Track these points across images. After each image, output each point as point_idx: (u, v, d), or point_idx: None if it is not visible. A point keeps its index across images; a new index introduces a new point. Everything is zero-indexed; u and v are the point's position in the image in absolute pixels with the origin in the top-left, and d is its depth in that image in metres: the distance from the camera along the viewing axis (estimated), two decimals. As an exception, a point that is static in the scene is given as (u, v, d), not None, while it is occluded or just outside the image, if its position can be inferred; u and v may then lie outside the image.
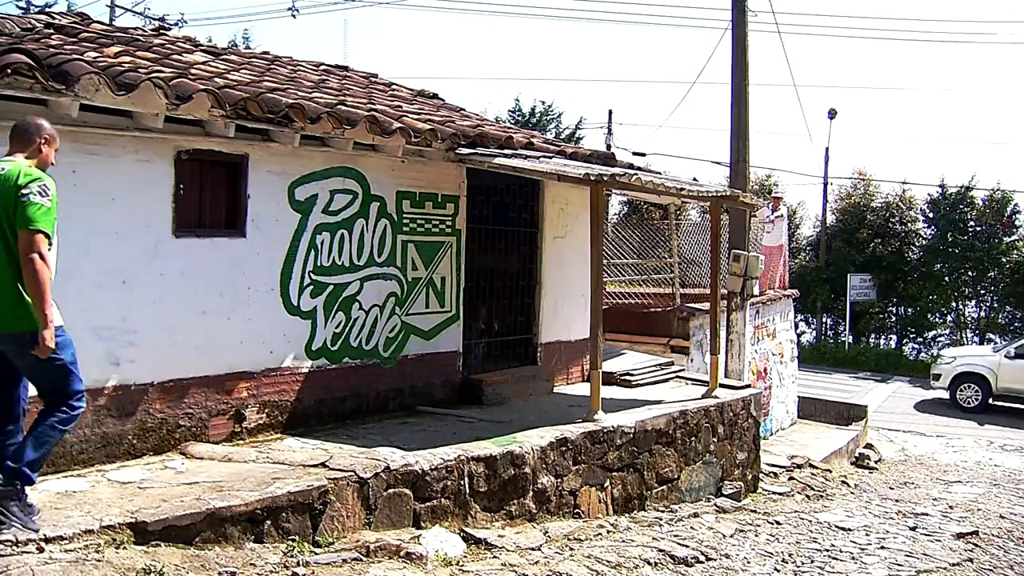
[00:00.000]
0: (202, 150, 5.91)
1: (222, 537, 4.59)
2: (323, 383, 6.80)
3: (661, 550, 5.91)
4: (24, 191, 3.96)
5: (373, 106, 7.27)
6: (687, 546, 6.10)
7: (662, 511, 7.39)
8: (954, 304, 31.35)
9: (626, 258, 14.80)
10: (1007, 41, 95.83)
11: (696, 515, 7.27)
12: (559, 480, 6.64)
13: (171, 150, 5.74)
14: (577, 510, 6.81)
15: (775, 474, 10.37)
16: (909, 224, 31.53)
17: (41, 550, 4.03)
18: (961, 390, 19.63)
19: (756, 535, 6.77)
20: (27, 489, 4.15)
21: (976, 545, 6.98)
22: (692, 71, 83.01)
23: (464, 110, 9.91)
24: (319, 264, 6.73)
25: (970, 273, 30.22)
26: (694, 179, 14.04)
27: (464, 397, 7.93)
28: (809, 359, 26.23)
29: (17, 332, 4.05)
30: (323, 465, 5.43)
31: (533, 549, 5.69)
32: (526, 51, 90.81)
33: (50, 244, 4.02)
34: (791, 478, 10.31)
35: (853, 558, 6.27)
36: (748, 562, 5.95)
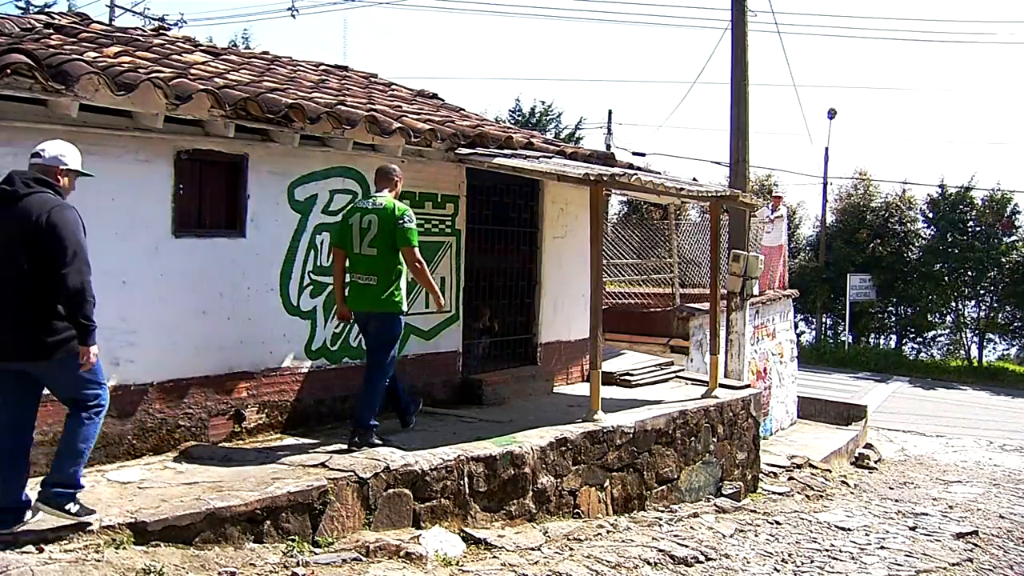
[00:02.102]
0: (202, 150, 5.91)
1: (222, 537, 4.59)
2: (323, 383, 6.80)
3: (661, 550, 5.91)
4: (400, 220, 5.91)
5: (373, 106, 7.27)
6: (687, 546, 6.10)
7: (662, 511, 7.39)
8: (954, 304, 31.38)
9: (626, 258, 14.80)
10: (1007, 41, 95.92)
11: (696, 515, 7.27)
12: (559, 480, 6.64)
13: (171, 150, 5.74)
14: (577, 510, 6.81)
15: (775, 474, 10.37)
16: (909, 224, 31.57)
17: (41, 550, 4.03)
18: None
19: (756, 535, 6.77)
20: None
21: (976, 545, 6.98)
22: (692, 71, 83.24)
23: (464, 110, 9.90)
24: (319, 264, 6.73)
25: (970, 273, 30.25)
26: (694, 179, 14.05)
27: (464, 397, 7.93)
28: (809, 359, 26.26)
29: (379, 313, 6.01)
30: (323, 465, 5.43)
31: (533, 549, 5.69)
32: (526, 51, 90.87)
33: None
34: (791, 478, 10.31)
35: (853, 558, 6.27)
36: (748, 562, 5.95)
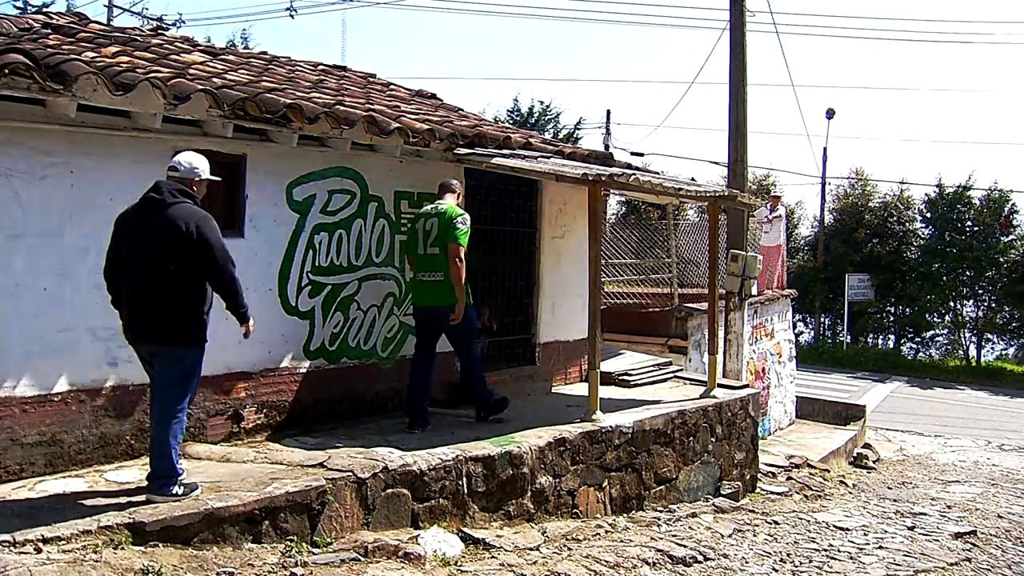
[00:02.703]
0: (200, 150, 5.88)
1: (220, 537, 4.58)
2: (321, 383, 6.80)
3: (659, 550, 5.91)
4: (455, 221, 6.69)
5: (371, 106, 7.27)
6: (685, 546, 6.10)
7: (660, 511, 7.40)
8: (952, 304, 31.38)
9: (624, 258, 14.80)
10: (1004, 41, 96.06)
11: (694, 515, 7.28)
12: (557, 480, 6.64)
13: (169, 150, 5.71)
14: (575, 510, 6.81)
15: (773, 474, 10.38)
16: (907, 224, 31.57)
17: (39, 550, 4.03)
18: None
19: (754, 535, 6.77)
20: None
21: (974, 545, 6.99)
22: (690, 71, 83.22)
23: (462, 110, 9.90)
24: (317, 264, 6.73)
25: (968, 273, 30.25)
26: (692, 179, 14.04)
27: (462, 397, 7.90)
28: (807, 359, 26.27)
29: (445, 307, 6.70)
30: (321, 465, 5.43)
31: (531, 549, 5.69)
32: (524, 51, 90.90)
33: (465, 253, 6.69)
34: (789, 478, 10.32)
35: (851, 558, 6.27)
36: (746, 562, 5.96)
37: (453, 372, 7.97)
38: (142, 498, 4.69)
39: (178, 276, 4.71)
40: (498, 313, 8.81)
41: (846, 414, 16.13)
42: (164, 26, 19.92)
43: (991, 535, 7.48)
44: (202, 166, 4.98)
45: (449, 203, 6.89)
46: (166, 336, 4.76)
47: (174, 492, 4.69)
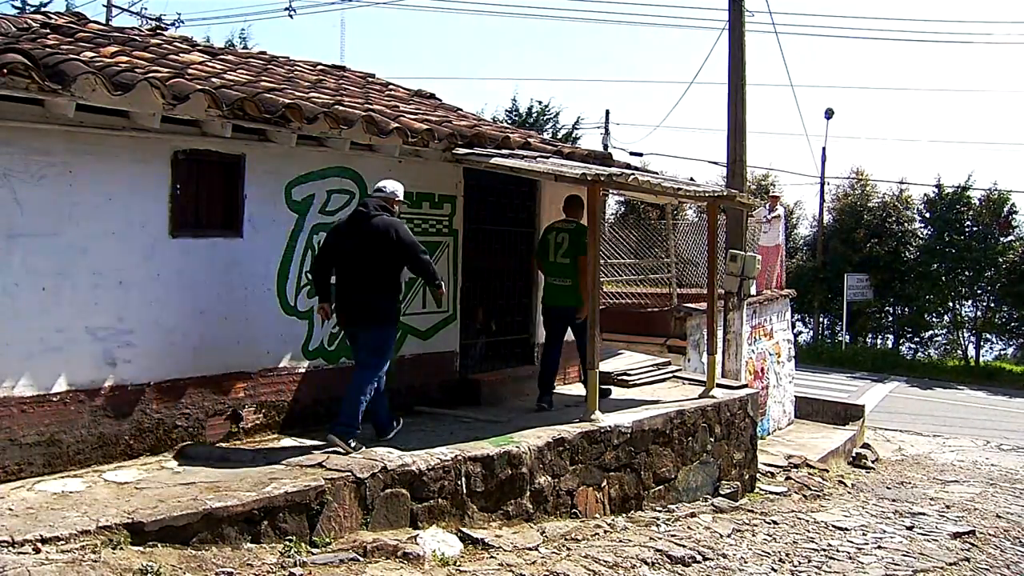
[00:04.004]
0: (199, 150, 5.90)
1: (219, 537, 4.58)
2: (320, 383, 6.79)
3: (658, 550, 5.91)
4: (585, 236, 7.54)
5: (370, 106, 7.26)
6: (684, 546, 6.11)
7: (659, 511, 7.40)
8: (951, 304, 31.41)
9: (623, 258, 14.79)
10: (1003, 41, 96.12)
11: (693, 515, 7.28)
12: (556, 480, 6.63)
13: (168, 150, 5.73)
14: (574, 510, 6.81)
15: (772, 474, 10.37)
16: (906, 224, 31.59)
17: (38, 550, 4.02)
18: None
19: (753, 535, 6.77)
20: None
21: (973, 545, 6.99)
22: (689, 71, 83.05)
23: (461, 110, 9.90)
24: (316, 264, 6.72)
25: (967, 273, 30.27)
26: (691, 179, 14.04)
27: (461, 397, 7.92)
28: (806, 359, 26.28)
29: (572, 306, 7.78)
30: (320, 465, 5.43)
31: (530, 549, 5.69)
32: (523, 51, 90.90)
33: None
34: (788, 478, 10.32)
35: (850, 558, 6.27)
36: (745, 562, 5.96)
37: (451, 372, 7.98)
38: (142, 498, 4.69)
39: (382, 271, 6.04)
40: (497, 313, 8.80)
41: (845, 414, 16.13)
42: (163, 26, 19.90)
43: (990, 535, 7.49)
44: (399, 190, 6.37)
45: (580, 220, 7.97)
46: (375, 318, 6.07)
47: (350, 444, 5.79)
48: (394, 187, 6.37)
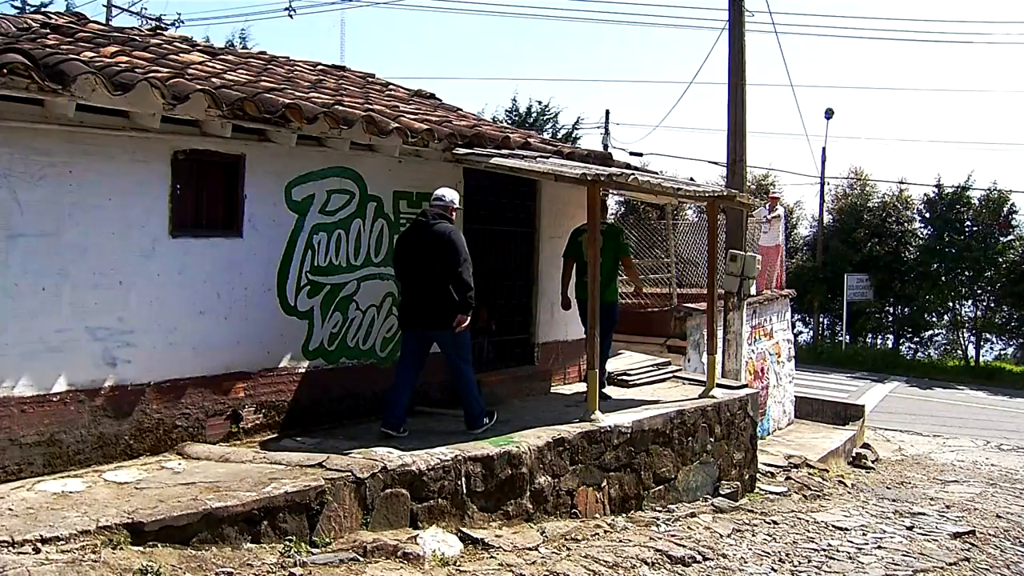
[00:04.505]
0: (199, 150, 5.90)
1: (219, 537, 4.58)
2: (320, 383, 6.79)
3: (658, 550, 5.91)
4: (620, 236, 8.58)
5: (370, 106, 7.26)
6: (684, 546, 6.11)
7: (659, 511, 7.40)
8: (951, 304, 31.41)
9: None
10: (1003, 41, 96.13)
11: (693, 515, 7.28)
12: (556, 480, 6.64)
13: (168, 150, 5.73)
14: (574, 510, 6.81)
15: (772, 474, 10.38)
16: (906, 224, 31.60)
17: (37, 550, 4.02)
18: None
19: (753, 535, 6.77)
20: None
21: (973, 545, 6.99)
22: (689, 71, 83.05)
23: (461, 110, 9.90)
24: (316, 264, 6.73)
25: (967, 273, 30.27)
26: (691, 179, 14.03)
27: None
28: (806, 359, 26.28)
29: (610, 302, 8.31)
30: (320, 465, 5.43)
31: (530, 549, 5.69)
32: (523, 51, 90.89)
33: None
34: (788, 478, 10.32)
35: (850, 558, 6.27)
36: (745, 562, 5.96)
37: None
38: (142, 498, 4.69)
39: (446, 275, 6.47)
40: (497, 313, 8.80)
41: (845, 414, 16.14)
42: (163, 26, 19.91)
43: (989, 535, 7.49)
44: (456, 199, 6.87)
45: (610, 223, 9.11)
46: (447, 320, 6.49)
47: (484, 423, 6.72)
48: (452, 196, 6.82)
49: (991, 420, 19.57)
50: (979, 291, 30.81)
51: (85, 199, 5.31)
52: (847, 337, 31.96)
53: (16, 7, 21.64)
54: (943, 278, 30.42)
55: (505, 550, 5.55)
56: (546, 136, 19.75)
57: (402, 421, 6.52)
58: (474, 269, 8.25)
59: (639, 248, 15.08)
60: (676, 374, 10.43)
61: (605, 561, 5.52)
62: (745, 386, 10.38)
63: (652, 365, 10.36)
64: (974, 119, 75.02)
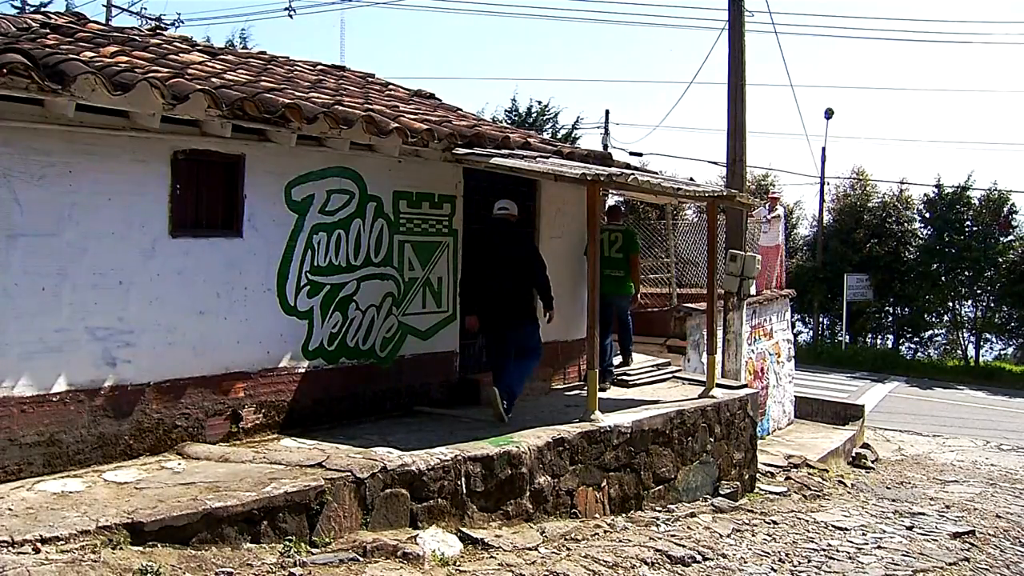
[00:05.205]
0: (199, 150, 5.90)
1: (219, 537, 4.58)
2: (320, 383, 6.79)
3: (658, 550, 5.91)
4: (634, 237, 9.61)
5: (370, 106, 7.26)
6: (684, 546, 6.10)
7: (659, 511, 7.40)
8: (951, 304, 31.43)
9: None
10: (1003, 41, 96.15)
11: (693, 515, 7.28)
12: (556, 480, 6.64)
13: (168, 150, 5.73)
14: (574, 510, 6.81)
15: (772, 474, 10.38)
16: (906, 224, 31.61)
17: (37, 550, 4.02)
18: None
19: (753, 535, 6.77)
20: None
21: (973, 544, 6.99)
22: (689, 71, 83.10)
23: (461, 110, 9.90)
24: (316, 264, 6.72)
25: (967, 273, 30.28)
26: (691, 179, 14.04)
27: (461, 397, 7.92)
28: (806, 359, 26.29)
29: (624, 294, 9.37)
30: (320, 465, 5.43)
31: (530, 549, 5.69)
32: (523, 51, 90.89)
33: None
34: (788, 478, 10.32)
35: (850, 558, 6.27)
36: (745, 562, 5.96)
37: (451, 372, 7.99)
38: (142, 498, 4.69)
39: (528, 277, 7.49)
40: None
41: (845, 414, 16.14)
42: (163, 26, 19.92)
43: (989, 535, 7.49)
44: (515, 208, 7.65)
45: (624, 226, 9.86)
46: (529, 318, 7.55)
47: (506, 409, 7.15)
48: (513, 206, 7.65)
49: (991, 420, 19.57)
50: (979, 291, 30.82)
51: (85, 199, 5.31)
52: (847, 337, 31.97)
53: (16, 7, 21.65)
54: (943, 278, 30.44)
55: (505, 550, 5.55)
56: (546, 136, 19.75)
57: (512, 406, 7.32)
58: (474, 269, 8.31)
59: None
60: (676, 374, 10.43)
61: (605, 561, 5.52)
62: (745, 386, 10.38)
63: (652, 365, 10.35)
64: (974, 119, 75.10)
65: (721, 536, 6.62)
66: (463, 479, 5.91)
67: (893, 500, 9.13)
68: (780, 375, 15.29)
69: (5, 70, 4.59)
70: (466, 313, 7.64)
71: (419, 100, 9.58)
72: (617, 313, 9.48)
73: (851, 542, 6.76)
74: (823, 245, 32.23)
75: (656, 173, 12.71)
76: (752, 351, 13.81)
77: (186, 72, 6.01)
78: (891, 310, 32.94)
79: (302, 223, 6.61)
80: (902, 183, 32.68)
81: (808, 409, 16.36)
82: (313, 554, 4.81)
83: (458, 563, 5.20)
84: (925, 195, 31.63)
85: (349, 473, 5.29)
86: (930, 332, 32.90)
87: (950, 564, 6.30)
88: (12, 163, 5.00)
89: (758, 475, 9.66)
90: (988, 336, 31.98)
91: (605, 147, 28.21)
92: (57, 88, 4.83)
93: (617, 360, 9.79)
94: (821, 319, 33.27)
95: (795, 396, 16.21)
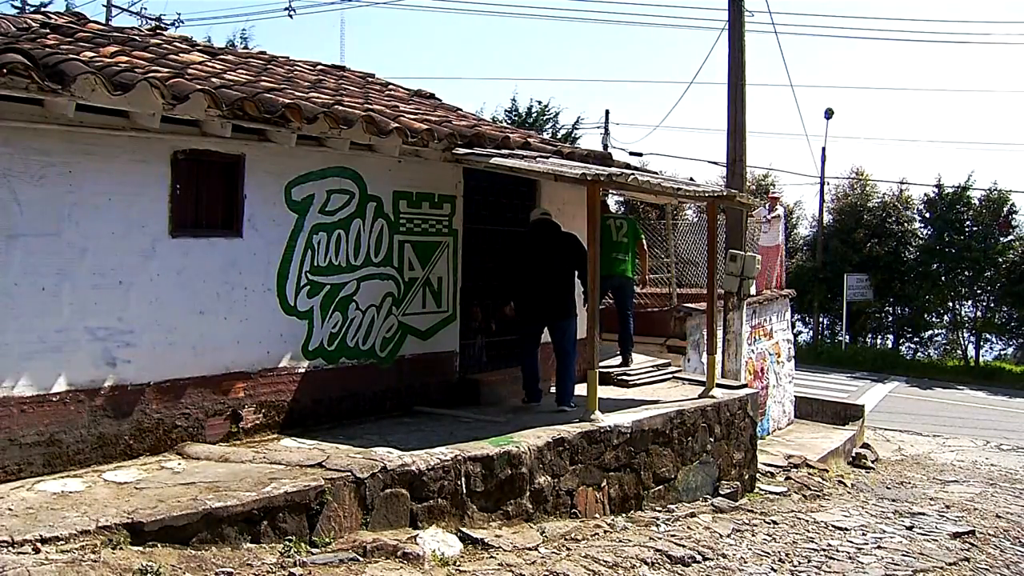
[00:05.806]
0: (199, 150, 5.90)
1: (219, 537, 4.58)
2: (320, 383, 6.79)
3: (658, 550, 5.91)
4: (638, 225, 10.10)
5: (370, 106, 7.26)
6: (684, 546, 6.11)
7: (659, 511, 7.40)
8: (951, 304, 31.42)
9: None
10: (1003, 41, 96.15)
11: (693, 515, 7.28)
12: (556, 480, 6.63)
13: (168, 150, 5.73)
14: (574, 510, 6.81)
15: (772, 474, 10.37)
16: (906, 224, 31.61)
17: (37, 550, 4.02)
18: None
19: (753, 535, 6.77)
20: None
21: (973, 545, 6.99)
22: (689, 71, 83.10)
23: (461, 110, 9.90)
24: (316, 264, 6.73)
25: (967, 273, 30.29)
26: (691, 179, 14.04)
27: (461, 397, 7.92)
28: (806, 359, 26.29)
29: (629, 277, 9.82)
30: (320, 465, 5.43)
31: (530, 549, 5.69)
32: (523, 51, 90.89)
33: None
34: (788, 478, 10.32)
35: (850, 558, 6.27)
36: (745, 562, 5.96)
37: (451, 372, 7.99)
38: (142, 498, 4.69)
39: (570, 274, 7.71)
40: (496, 313, 8.79)
41: (845, 414, 16.13)
42: (163, 26, 19.90)
43: (989, 535, 7.49)
44: (551, 214, 8.08)
45: (628, 218, 10.27)
46: (569, 313, 7.71)
47: (572, 405, 7.58)
48: (552, 212, 8.19)
49: (991, 420, 19.57)
50: (979, 291, 30.82)
51: (85, 199, 5.31)
52: (847, 337, 31.97)
53: (16, 7, 21.65)
54: (943, 278, 30.43)
55: (505, 550, 5.55)
56: (546, 136, 19.75)
57: (540, 395, 7.84)
58: (474, 269, 8.33)
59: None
60: (676, 374, 10.43)
61: (605, 561, 5.52)
62: (745, 386, 10.38)
63: (652, 365, 10.35)
64: (974, 119, 75.09)
65: (721, 536, 6.62)
66: (463, 479, 5.90)
67: (893, 500, 9.13)
68: (780, 375, 15.29)
69: (5, 70, 4.59)
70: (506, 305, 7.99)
71: (419, 100, 9.58)
72: (621, 299, 9.84)
73: (851, 542, 6.76)
74: (823, 245, 32.24)
75: (656, 173, 12.71)
76: (752, 351, 13.81)
77: (186, 72, 6.01)
78: (891, 310, 32.95)
79: (302, 223, 6.61)
80: (902, 183, 32.73)
81: (808, 409, 16.36)
82: (313, 554, 4.81)
83: (458, 563, 5.20)
84: (925, 195, 31.66)
85: (349, 473, 5.29)
86: (930, 332, 32.91)
87: (950, 564, 6.30)
88: (12, 163, 5.00)
89: (758, 475, 9.66)
90: (988, 336, 31.99)
91: (605, 147, 28.21)
92: (57, 88, 4.83)
93: (617, 360, 9.79)
94: (821, 319, 33.28)
95: (795, 396, 16.20)
